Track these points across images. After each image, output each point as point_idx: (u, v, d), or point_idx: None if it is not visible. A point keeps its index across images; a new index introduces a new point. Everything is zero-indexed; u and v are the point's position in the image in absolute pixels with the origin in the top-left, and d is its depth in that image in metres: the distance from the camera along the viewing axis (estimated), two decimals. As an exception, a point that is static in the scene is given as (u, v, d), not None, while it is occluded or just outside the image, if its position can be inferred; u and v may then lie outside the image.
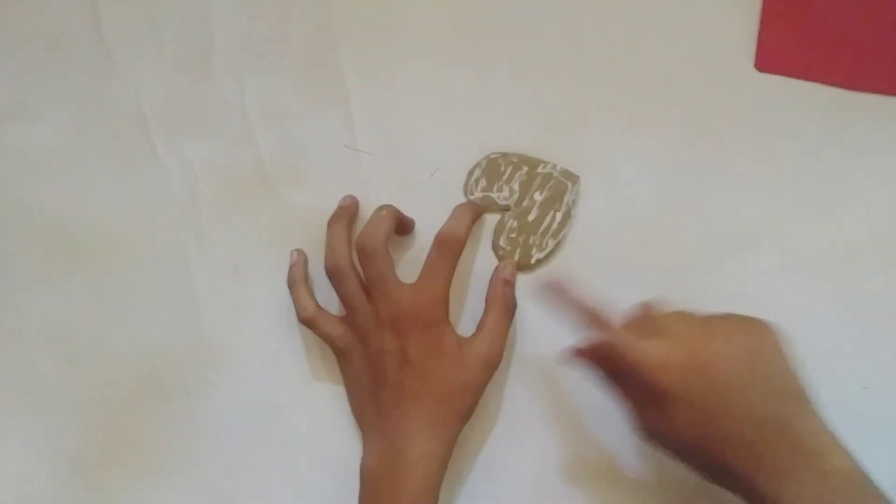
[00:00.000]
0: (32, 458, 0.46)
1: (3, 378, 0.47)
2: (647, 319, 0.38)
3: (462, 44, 0.49)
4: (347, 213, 0.46)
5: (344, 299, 0.44)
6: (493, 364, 0.43)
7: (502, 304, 0.44)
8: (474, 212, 0.45)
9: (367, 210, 0.47)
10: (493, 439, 0.45)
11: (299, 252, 0.46)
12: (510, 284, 0.44)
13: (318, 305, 0.44)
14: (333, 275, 0.44)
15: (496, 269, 0.45)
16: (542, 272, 0.46)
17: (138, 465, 0.46)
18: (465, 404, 0.42)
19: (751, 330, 0.36)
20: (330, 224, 0.45)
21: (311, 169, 0.48)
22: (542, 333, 0.45)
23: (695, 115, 0.47)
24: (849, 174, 0.46)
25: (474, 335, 0.43)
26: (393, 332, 0.42)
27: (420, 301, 0.42)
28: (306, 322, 0.44)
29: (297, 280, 0.45)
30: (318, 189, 0.47)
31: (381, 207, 0.44)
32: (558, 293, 0.40)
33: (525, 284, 0.46)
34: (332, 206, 0.47)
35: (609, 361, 0.38)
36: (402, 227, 0.45)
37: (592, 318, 0.38)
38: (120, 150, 0.49)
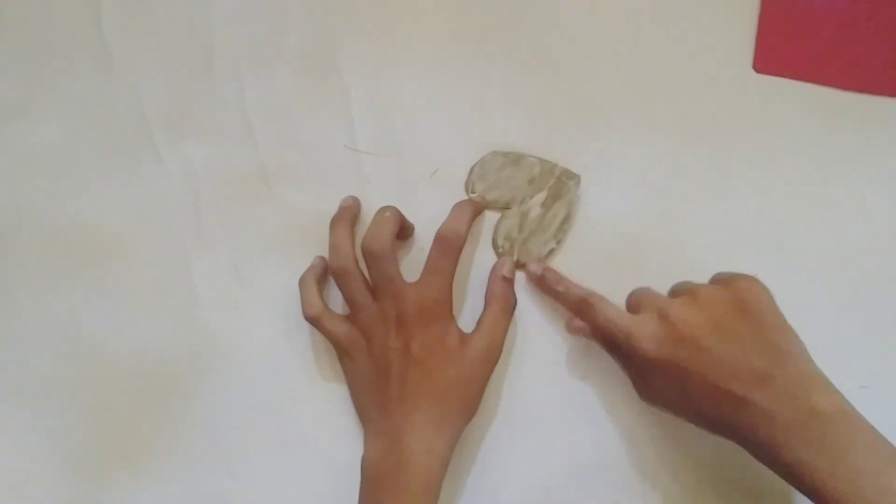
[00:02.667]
0: (32, 458, 0.46)
1: (3, 377, 0.47)
2: (642, 298, 0.40)
3: (462, 44, 0.49)
4: (350, 213, 0.46)
5: (349, 298, 0.44)
6: (492, 359, 0.43)
7: (501, 301, 0.44)
8: (474, 209, 0.45)
9: (368, 210, 0.47)
10: (492, 437, 0.45)
11: (322, 258, 0.46)
12: (509, 281, 0.45)
13: (324, 304, 0.44)
14: (338, 275, 0.44)
15: (495, 266, 0.45)
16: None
17: (139, 464, 0.46)
18: (467, 400, 0.43)
19: (730, 293, 0.37)
20: (333, 224, 0.45)
21: (311, 169, 0.48)
22: (542, 331, 0.46)
23: (694, 116, 0.47)
24: (848, 174, 0.46)
25: (474, 331, 0.43)
26: (397, 330, 0.42)
27: (423, 298, 0.42)
28: (312, 320, 0.44)
29: (309, 278, 0.45)
30: (318, 189, 0.47)
31: (385, 209, 0.44)
32: (551, 282, 0.44)
33: (524, 282, 0.46)
34: (332, 206, 0.47)
35: (605, 337, 0.41)
36: (402, 231, 0.45)
37: (583, 300, 0.42)
38: (120, 150, 0.49)
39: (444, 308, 0.43)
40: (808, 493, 0.34)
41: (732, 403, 0.35)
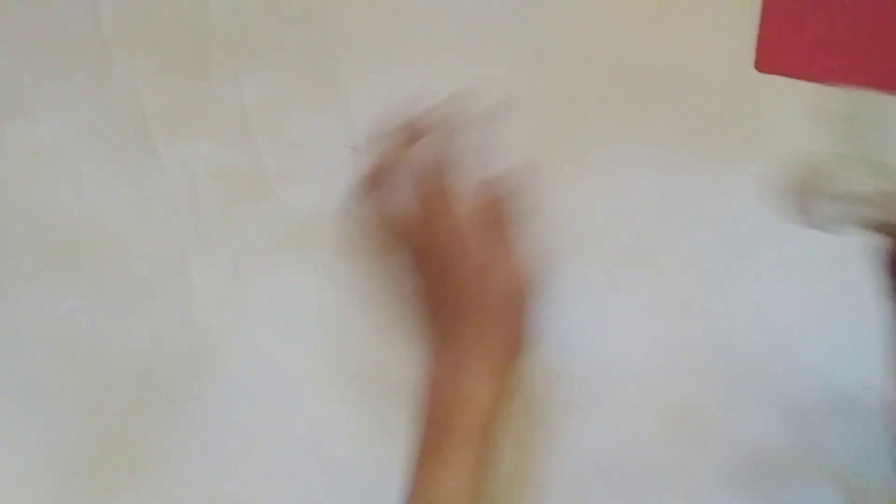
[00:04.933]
0: (32, 458, 0.46)
1: (2, 378, 0.47)
2: None
3: (462, 43, 0.49)
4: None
5: (429, 194, 0.41)
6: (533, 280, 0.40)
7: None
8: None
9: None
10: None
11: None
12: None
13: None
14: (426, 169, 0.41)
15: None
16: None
17: (138, 465, 0.46)
18: (518, 326, 0.40)
19: None
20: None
21: (311, 169, 0.48)
22: (546, 335, 0.46)
23: (695, 115, 0.47)
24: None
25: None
26: (465, 241, 0.40)
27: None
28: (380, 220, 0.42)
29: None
30: (318, 189, 0.47)
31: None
32: None
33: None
34: (332, 206, 0.46)
35: None
36: None
37: None
38: (119, 149, 0.49)
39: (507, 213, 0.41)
40: None
41: None
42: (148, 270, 0.47)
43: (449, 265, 0.40)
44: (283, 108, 0.48)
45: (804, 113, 0.47)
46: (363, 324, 0.45)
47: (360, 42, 0.49)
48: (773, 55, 0.47)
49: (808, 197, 0.40)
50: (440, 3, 0.49)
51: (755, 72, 0.47)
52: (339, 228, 0.47)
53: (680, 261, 0.45)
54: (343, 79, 0.49)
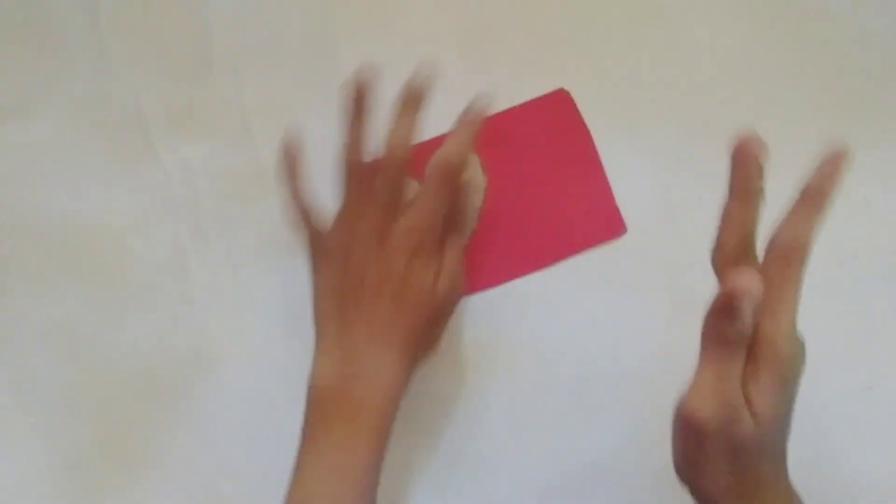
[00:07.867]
0: (32, 458, 0.46)
1: (2, 378, 0.47)
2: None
3: (462, 42, 0.49)
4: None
5: (353, 197, 0.42)
6: (460, 294, 0.42)
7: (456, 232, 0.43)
8: (474, 128, 0.41)
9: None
10: (492, 439, 0.45)
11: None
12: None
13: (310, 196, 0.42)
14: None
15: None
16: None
17: (137, 465, 0.46)
18: (432, 338, 0.42)
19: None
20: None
21: (310, 169, 0.48)
22: (544, 332, 0.46)
23: (695, 115, 0.47)
24: (849, 175, 0.46)
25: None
26: (381, 250, 0.40)
27: (414, 224, 0.40)
28: (300, 211, 0.42)
29: (293, 160, 0.43)
30: (318, 189, 0.47)
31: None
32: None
33: (521, 283, 0.46)
34: (332, 207, 0.46)
35: None
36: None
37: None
38: (119, 149, 0.49)
39: (433, 235, 0.41)
40: None
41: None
42: (146, 270, 0.47)
43: (353, 263, 0.40)
44: (282, 108, 0.48)
45: (803, 114, 0.47)
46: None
47: (360, 41, 0.49)
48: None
49: None
50: (440, 2, 0.49)
51: (754, 71, 0.47)
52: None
53: (680, 260, 0.45)
54: (343, 78, 0.48)
